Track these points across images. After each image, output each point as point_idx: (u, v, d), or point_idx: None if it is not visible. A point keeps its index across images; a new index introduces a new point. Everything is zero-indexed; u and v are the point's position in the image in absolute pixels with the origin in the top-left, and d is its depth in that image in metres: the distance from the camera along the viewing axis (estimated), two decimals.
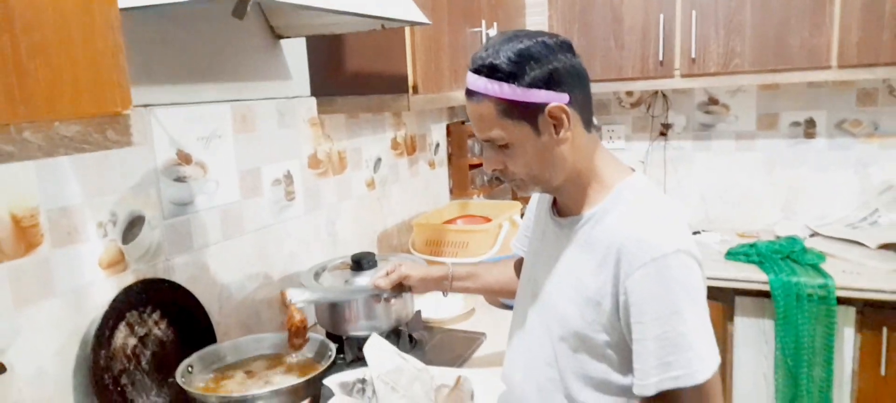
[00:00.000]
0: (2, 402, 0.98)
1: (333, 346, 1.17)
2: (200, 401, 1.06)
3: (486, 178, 2.36)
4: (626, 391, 0.95)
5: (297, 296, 1.23)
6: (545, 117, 0.92)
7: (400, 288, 1.32)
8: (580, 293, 0.95)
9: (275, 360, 1.23)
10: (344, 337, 1.37)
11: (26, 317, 1.01)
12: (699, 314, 0.88)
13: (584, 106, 0.96)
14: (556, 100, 0.91)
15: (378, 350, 1.11)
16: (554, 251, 1.02)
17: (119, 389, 1.12)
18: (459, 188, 2.28)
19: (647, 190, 0.97)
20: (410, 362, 1.11)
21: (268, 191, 1.51)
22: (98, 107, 0.68)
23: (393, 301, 1.37)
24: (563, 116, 0.92)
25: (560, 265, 1.00)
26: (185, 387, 1.06)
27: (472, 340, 1.48)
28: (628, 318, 0.90)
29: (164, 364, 1.20)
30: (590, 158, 0.98)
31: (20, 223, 1.00)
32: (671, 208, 0.96)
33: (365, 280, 1.37)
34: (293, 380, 1.11)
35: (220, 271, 1.38)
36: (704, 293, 0.91)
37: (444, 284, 1.31)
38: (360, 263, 1.41)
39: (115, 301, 1.11)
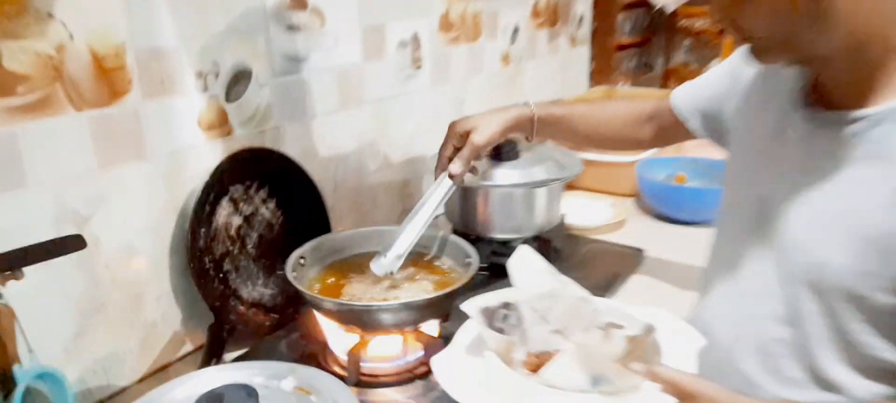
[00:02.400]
0: (85, 284, 0.82)
1: (474, 253, 0.93)
2: (314, 302, 0.87)
3: (632, 65, 2.00)
4: None
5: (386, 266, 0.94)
6: None
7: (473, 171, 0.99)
8: (856, 231, 0.64)
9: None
10: (473, 238, 1.13)
11: (113, 182, 0.83)
12: None
13: None
14: None
15: (527, 266, 0.86)
16: (805, 160, 0.70)
17: (221, 275, 0.94)
18: (601, 72, 1.95)
19: None
20: (568, 287, 0.86)
21: (392, 55, 1.25)
22: None
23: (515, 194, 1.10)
24: None
25: (820, 184, 0.67)
26: (295, 283, 0.86)
27: (628, 257, 1.21)
28: None
29: (270, 250, 1.02)
30: (890, 17, 0.64)
31: (103, 62, 0.79)
32: None
33: (504, 173, 1.11)
34: (427, 293, 0.89)
35: (336, 145, 1.16)
36: None
37: (525, 129, 0.98)
38: (500, 152, 1.14)
39: (218, 170, 0.91)
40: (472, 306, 0.81)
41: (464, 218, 1.18)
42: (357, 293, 0.91)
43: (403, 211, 1.34)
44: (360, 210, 1.23)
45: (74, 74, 0.76)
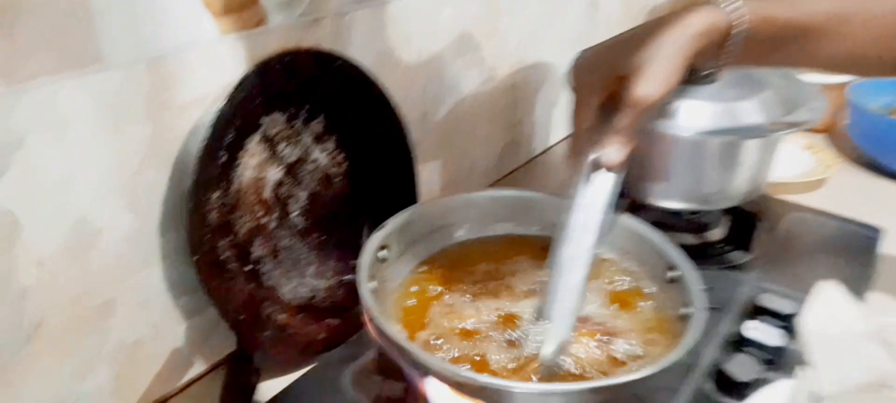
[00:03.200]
0: None
1: (695, 283, 0.51)
2: (421, 366, 0.46)
3: None
4: None
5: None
6: None
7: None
8: None
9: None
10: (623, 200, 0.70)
11: (38, 110, 0.44)
12: None
13: None
14: None
15: (829, 320, 0.46)
16: None
17: (248, 267, 0.56)
18: None
19: None
20: None
21: None
22: None
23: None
24: None
25: None
26: (375, 319, 0.47)
27: (856, 242, 0.79)
28: None
29: (329, 219, 0.63)
30: None
31: None
32: None
33: (694, 108, 0.68)
34: (636, 371, 0.49)
35: (426, 49, 0.74)
36: None
37: (725, 52, 0.52)
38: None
39: (241, 88, 0.51)
40: None
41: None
42: (480, 324, 0.52)
43: (507, 147, 0.93)
44: (454, 149, 0.83)
45: None
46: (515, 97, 0.90)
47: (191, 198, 0.50)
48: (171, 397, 0.59)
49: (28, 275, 0.45)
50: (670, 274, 0.53)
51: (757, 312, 0.65)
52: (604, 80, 0.51)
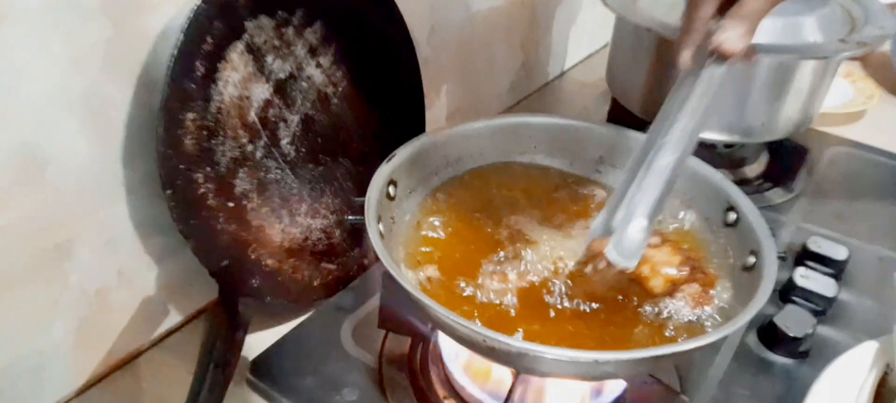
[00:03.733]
0: None
1: (766, 235, 0.42)
2: (444, 326, 0.38)
3: None
4: None
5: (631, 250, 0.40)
6: None
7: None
8: None
9: (589, 195, 0.53)
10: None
11: None
12: None
13: None
14: None
15: None
16: None
17: (231, 204, 0.48)
18: None
19: None
20: None
21: None
22: None
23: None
24: None
25: None
26: (389, 266, 0.38)
27: None
28: None
29: (325, 147, 0.54)
30: None
31: None
32: None
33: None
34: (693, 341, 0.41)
35: None
36: None
37: None
38: None
39: None
40: None
41: (641, 92, 0.68)
42: (499, 265, 0.44)
43: (522, 70, 0.83)
44: (466, 70, 0.73)
45: None
46: (533, 14, 0.80)
47: (161, 120, 0.41)
48: (144, 351, 0.51)
49: None
50: (730, 215, 0.45)
51: (805, 257, 0.58)
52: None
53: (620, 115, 0.71)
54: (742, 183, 0.69)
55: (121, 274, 0.47)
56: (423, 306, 0.37)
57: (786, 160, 0.71)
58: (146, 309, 0.50)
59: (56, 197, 0.41)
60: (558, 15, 0.85)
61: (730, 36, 0.41)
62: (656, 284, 0.43)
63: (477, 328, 0.35)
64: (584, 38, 0.93)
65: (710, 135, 0.65)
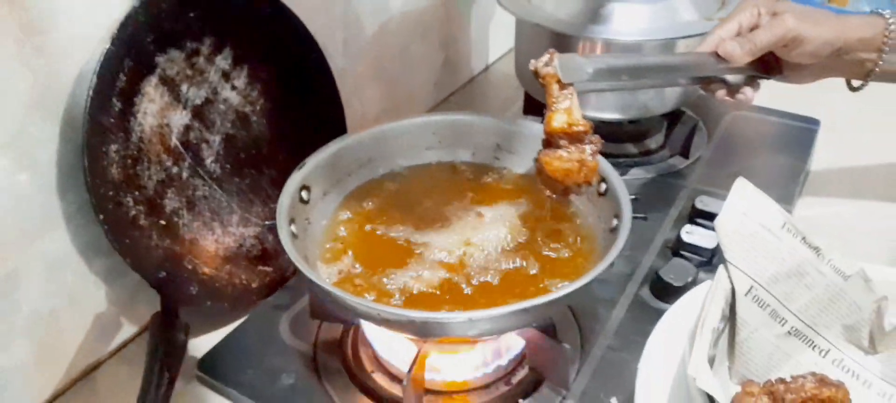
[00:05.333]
0: None
1: (624, 194, 0.50)
2: (338, 303, 0.44)
3: None
4: None
5: (574, 68, 0.48)
6: None
7: (765, 67, 0.59)
8: None
9: (486, 182, 0.59)
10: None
11: None
12: None
13: None
14: None
15: (752, 223, 0.45)
16: None
17: (162, 221, 0.53)
18: None
19: None
20: (823, 254, 0.45)
21: None
22: None
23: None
24: None
25: None
26: (296, 260, 0.44)
27: (798, 135, 0.79)
28: None
29: (250, 160, 0.59)
30: None
31: None
32: None
33: (642, 12, 0.65)
34: (550, 294, 0.48)
35: None
36: None
37: (868, 61, 0.56)
38: None
39: (130, 20, 0.46)
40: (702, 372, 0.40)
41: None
42: (410, 257, 0.50)
43: (444, 68, 0.89)
44: (385, 75, 0.78)
45: None
46: (447, 13, 0.86)
47: (85, 154, 0.46)
48: (101, 364, 0.56)
49: None
50: (602, 186, 0.51)
51: (693, 216, 0.65)
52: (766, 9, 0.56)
53: (533, 105, 0.77)
54: (646, 154, 0.76)
55: (70, 296, 0.52)
56: (320, 290, 0.43)
57: (682, 130, 0.77)
58: (99, 325, 0.55)
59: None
60: (474, 13, 0.90)
61: (735, 47, 0.54)
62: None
63: (367, 303, 0.41)
64: (503, 32, 0.99)
65: (612, 115, 0.71)
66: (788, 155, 0.75)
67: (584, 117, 0.46)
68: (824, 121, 0.79)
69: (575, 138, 0.45)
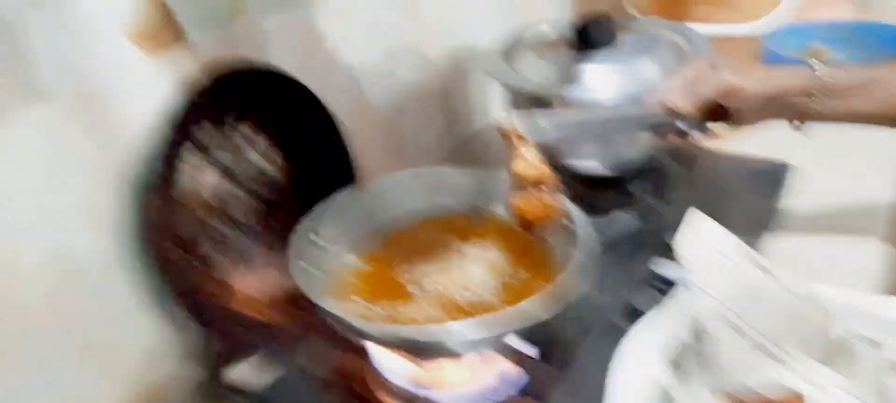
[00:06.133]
0: None
1: (580, 216, 0.59)
2: (330, 317, 0.53)
3: None
4: None
5: (539, 124, 0.59)
6: None
7: (713, 114, 0.67)
8: None
9: (472, 226, 0.67)
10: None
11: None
12: None
13: None
14: None
15: (708, 249, 0.53)
16: None
17: (199, 259, 0.62)
18: None
19: None
20: (775, 276, 0.52)
21: None
22: None
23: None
24: None
25: None
26: (299, 283, 0.53)
27: (769, 178, 0.85)
28: None
29: (273, 212, 0.69)
30: None
31: None
32: None
33: (597, 72, 0.74)
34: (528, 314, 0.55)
35: (342, 43, 0.79)
36: None
37: (800, 105, 0.64)
38: (589, 35, 0.76)
39: (175, 104, 0.57)
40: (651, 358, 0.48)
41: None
42: (414, 311, 0.58)
43: (445, 127, 0.99)
44: (393, 135, 0.88)
45: None
46: (450, 82, 0.96)
47: (143, 214, 0.56)
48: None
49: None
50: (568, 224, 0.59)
51: (666, 250, 0.71)
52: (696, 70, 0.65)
53: None
54: (630, 198, 0.83)
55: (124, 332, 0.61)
56: (327, 313, 0.51)
57: (661, 176, 0.85)
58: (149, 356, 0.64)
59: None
60: (473, 79, 1.01)
61: (681, 98, 0.64)
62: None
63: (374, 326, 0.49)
64: (501, 92, 1.08)
65: (590, 164, 0.80)
66: (760, 195, 0.82)
67: (546, 164, 0.54)
68: (794, 164, 0.86)
69: (536, 182, 0.53)
